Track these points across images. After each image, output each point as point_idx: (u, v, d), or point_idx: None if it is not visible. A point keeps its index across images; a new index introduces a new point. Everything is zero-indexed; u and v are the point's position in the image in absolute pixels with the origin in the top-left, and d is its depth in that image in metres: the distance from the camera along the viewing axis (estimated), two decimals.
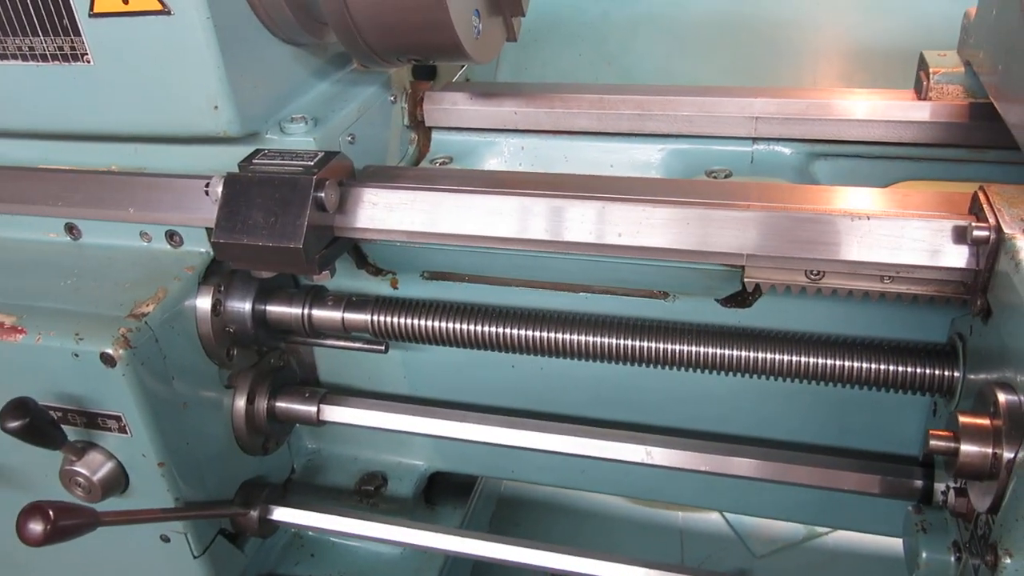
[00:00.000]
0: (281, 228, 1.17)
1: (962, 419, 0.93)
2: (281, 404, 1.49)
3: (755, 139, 1.48)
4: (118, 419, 1.24)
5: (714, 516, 1.98)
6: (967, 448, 0.92)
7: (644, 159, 1.54)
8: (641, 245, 1.12)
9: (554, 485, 1.60)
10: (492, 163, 1.61)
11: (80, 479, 1.27)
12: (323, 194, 1.19)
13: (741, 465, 1.29)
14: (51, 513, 1.08)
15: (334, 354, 1.57)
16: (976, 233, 0.96)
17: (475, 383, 1.54)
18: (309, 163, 1.22)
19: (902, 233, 1.03)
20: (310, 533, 1.65)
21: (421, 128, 1.63)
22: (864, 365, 1.16)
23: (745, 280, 1.12)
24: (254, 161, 1.24)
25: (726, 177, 1.46)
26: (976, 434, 0.91)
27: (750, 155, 1.48)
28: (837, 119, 1.42)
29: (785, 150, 1.48)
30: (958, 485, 1.05)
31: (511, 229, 1.17)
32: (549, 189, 1.20)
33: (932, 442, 0.94)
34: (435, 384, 1.58)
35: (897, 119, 1.39)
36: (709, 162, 1.49)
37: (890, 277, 1.05)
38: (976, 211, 1.01)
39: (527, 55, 2.26)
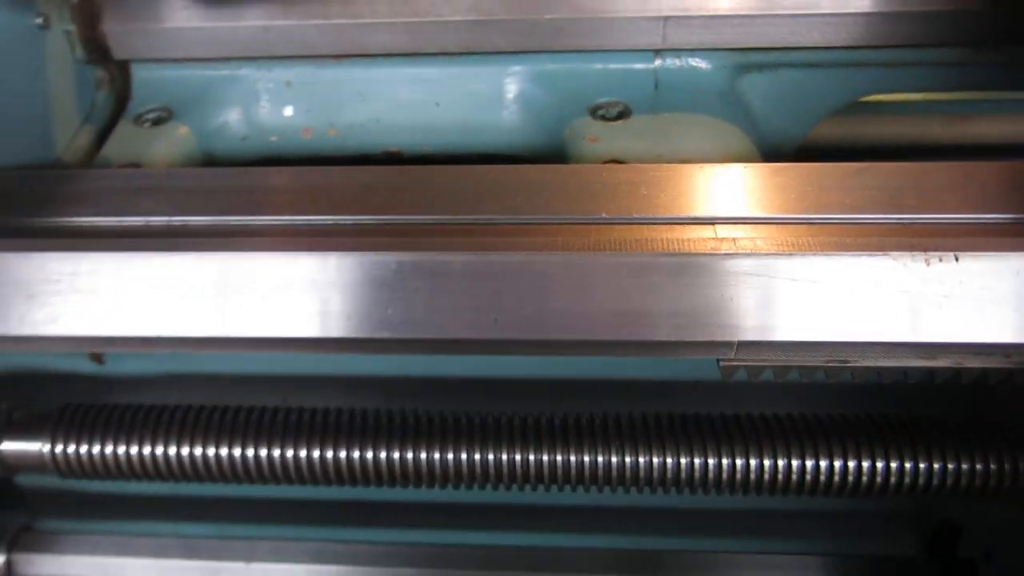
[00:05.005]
0: None
1: None
2: None
3: (659, 51, 0.94)
4: None
5: None
6: None
7: (490, 92, 0.97)
8: (543, 339, 0.59)
9: None
10: (239, 113, 1.00)
11: None
12: None
13: None
14: None
15: None
16: None
17: None
18: None
19: (1018, 285, 0.56)
20: None
21: (110, 62, 0.97)
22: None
23: (723, 365, 0.62)
24: None
25: (620, 116, 0.93)
26: None
27: (653, 76, 0.95)
28: (783, 14, 0.91)
29: (702, 64, 0.96)
30: None
31: (265, 324, 0.60)
32: (332, 211, 0.64)
33: None
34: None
35: (864, 10, 0.90)
36: (593, 91, 0.95)
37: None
38: None
39: None
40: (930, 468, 0.74)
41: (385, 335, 0.59)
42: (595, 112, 0.94)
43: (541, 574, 0.90)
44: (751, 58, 0.96)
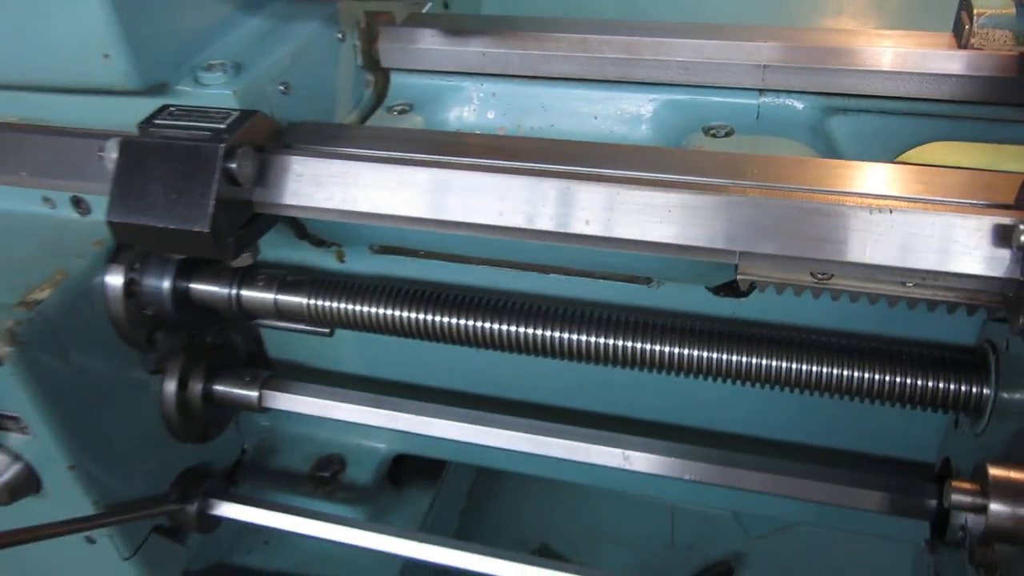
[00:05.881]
0: (185, 207, 0.98)
1: (992, 472, 0.75)
2: (219, 388, 1.33)
3: (762, 91, 1.25)
4: (16, 420, 1.08)
5: None
6: (998, 508, 0.74)
7: (633, 111, 1.32)
8: (613, 236, 0.92)
9: (527, 472, 1.45)
10: (457, 112, 1.40)
11: None
12: (235, 165, 0.99)
13: (731, 475, 1.13)
14: None
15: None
16: None
17: (438, 365, 1.37)
18: (220, 125, 1.02)
19: (931, 231, 0.83)
20: None
21: (377, 70, 1.41)
22: (877, 377, 0.98)
23: (739, 278, 0.92)
24: (156, 122, 1.04)
25: (727, 135, 1.24)
26: (1010, 493, 0.74)
27: (756, 109, 1.26)
28: (859, 69, 1.19)
29: (797, 104, 1.26)
30: None
31: (458, 212, 0.98)
32: (504, 158, 1.00)
33: (955, 496, 0.77)
34: (394, 365, 1.41)
35: (930, 71, 1.16)
36: (708, 116, 1.27)
37: (913, 283, 0.86)
38: None
39: None
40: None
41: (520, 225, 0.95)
42: (707, 131, 1.25)
43: None
44: (836, 103, 1.24)
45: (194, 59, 1.14)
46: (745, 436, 1.26)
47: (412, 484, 1.61)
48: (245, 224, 1.05)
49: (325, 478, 1.48)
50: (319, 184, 1.03)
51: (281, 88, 1.18)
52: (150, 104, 1.09)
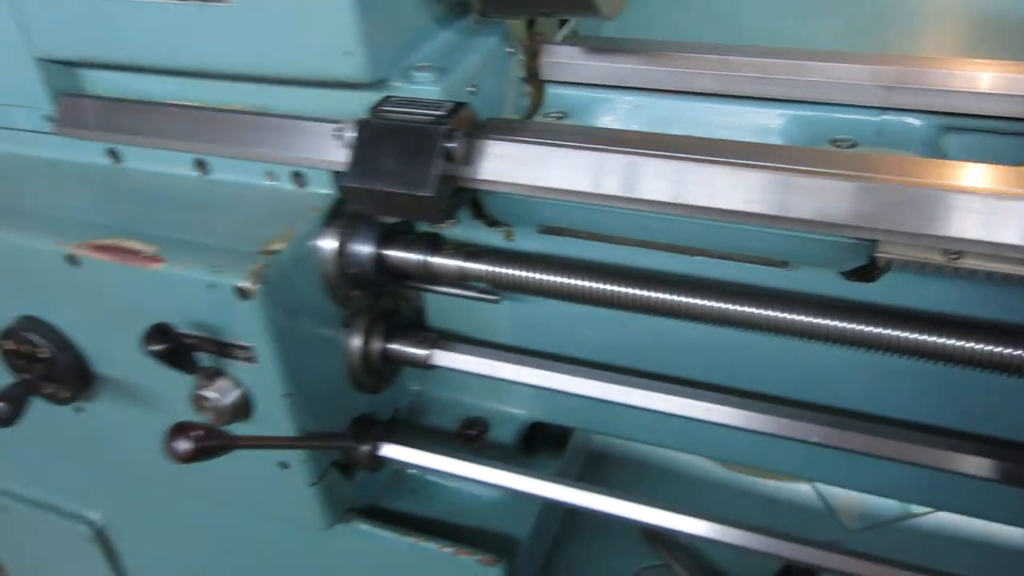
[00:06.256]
0: (412, 176, 1.20)
1: None
2: (394, 346, 1.54)
3: (884, 109, 1.44)
4: (248, 349, 1.30)
5: (804, 487, 1.97)
6: None
7: (764, 124, 1.51)
8: (768, 214, 1.11)
9: (650, 443, 1.62)
10: (605, 120, 1.60)
11: (209, 403, 1.34)
12: (453, 145, 1.21)
13: (855, 439, 1.29)
14: (196, 433, 1.15)
15: (443, 301, 1.61)
16: None
17: (581, 338, 1.56)
18: (439, 113, 1.24)
19: None
20: (412, 472, 1.71)
21: (535, 81, 1.63)
22: (996, 349, 1.13)
23: (877, 255, 1.10)
24: (382, 108, 1.27)
25: (851, 147, 1.42)
26: None
27: (878, 125, 1.44)
28: (974, 92, 1.36)
29: (915, 122, 1.43)
30: None
31: (633, 189, 1.18)
32: (670, 151, 1.20)
33: None
34: (541, 336, 1.61)
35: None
36: (833, 131, 1.45)
37: None
38: None
39: (632, 10, 2.20)
40: None
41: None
42: (832, 142, 1.44)
43: None
44: (950, 122, 1.42)
45: (404, 61, 1.37)
46: (860, 413, 1.42)
47: (540, 454, 1.79)
48: (452, 195, 1.27)
49: (471, 436, 1.67)
50: (517, 165, 1.24)
51: (471, 89, 1.40)
52: (370, 96, 1.31)
